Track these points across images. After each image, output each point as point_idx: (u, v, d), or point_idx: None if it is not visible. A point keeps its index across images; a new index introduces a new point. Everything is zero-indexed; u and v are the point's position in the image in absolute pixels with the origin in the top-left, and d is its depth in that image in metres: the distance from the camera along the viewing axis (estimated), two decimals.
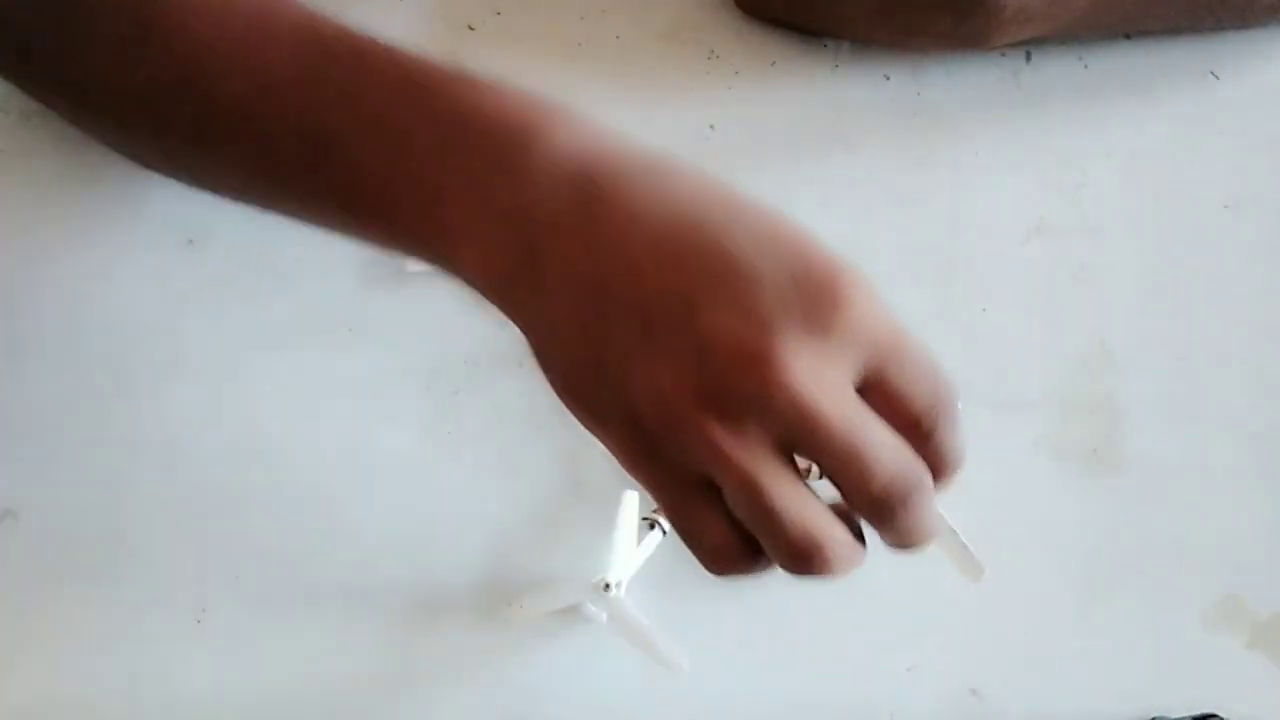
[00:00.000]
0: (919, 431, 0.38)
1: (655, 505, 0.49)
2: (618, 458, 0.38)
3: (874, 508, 0.37)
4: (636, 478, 0.38)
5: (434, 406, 0.52)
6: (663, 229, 0.36)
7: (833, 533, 0.38)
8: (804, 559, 0.37)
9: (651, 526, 0.48)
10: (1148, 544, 0.51)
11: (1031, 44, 0.59)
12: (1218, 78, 0.59)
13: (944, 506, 0.47)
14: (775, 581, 0.50)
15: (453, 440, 0.52)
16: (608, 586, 0.45)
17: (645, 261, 0.36)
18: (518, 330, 0.45)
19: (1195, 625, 0.50)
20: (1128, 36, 0.59)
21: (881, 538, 0.39)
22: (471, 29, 0.58)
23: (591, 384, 0.37)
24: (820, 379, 0.35)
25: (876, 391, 0.37)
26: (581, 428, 0.39)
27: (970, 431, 0.49)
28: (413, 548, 0.50)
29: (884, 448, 0.37)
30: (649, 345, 0.36)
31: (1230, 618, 0.51)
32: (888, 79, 0.58)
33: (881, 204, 0.56)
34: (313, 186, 0.41)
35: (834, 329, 0.36)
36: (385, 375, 0.53)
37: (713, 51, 0.58)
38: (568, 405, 0.39)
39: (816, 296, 0.36)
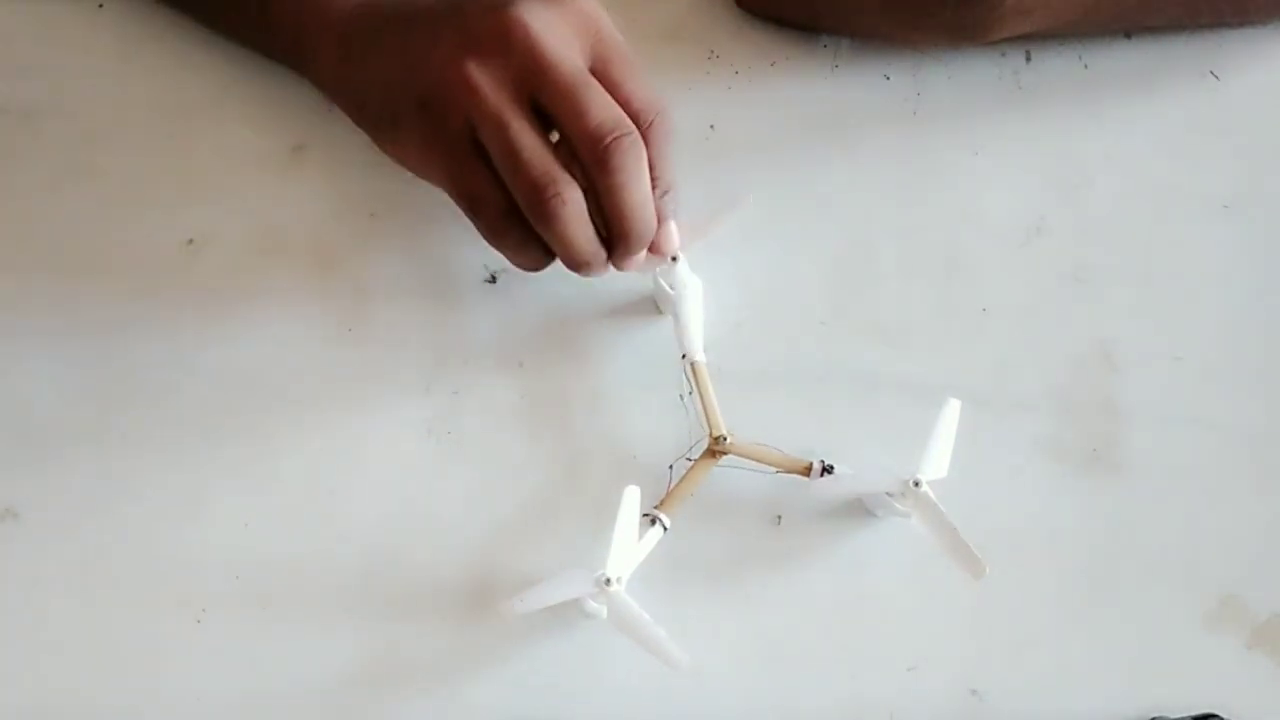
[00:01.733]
0: (640, 123, 0.47)
1: (656, 502, 0.49)
2: (416, 156, 0.49)
3: (590, 142, 0.46)
4: (430, 165, 0.49)
5: (434, 406, 0.52)
6: None
7: (561, 177, 0.46)
8: (540, 193, 0.45)
9: (653, 522, 0.48)
10: (1148, 544, 0.51)
11: (1032, 42, 0.59)
12: (1218, 78, 0.59)
13: (945, 504, 0.47)
14: (776, 581, 0.50)
15: (453, 440, 0.52)
16: (609, 581, 0.45)
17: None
18: (516, 330, 0.53)
19: (1195, 625, 0.50)
20: (1128, 35, 0.59)
21: (597, 188, 0.47)
22: None
23: (390, 97, 0.48)
24: (550, 27, 0.46)
25: (601, 75, 0.47)
26: (578, 430, 0.45)
27: (970, 431, 0.49)
28: (413, 547, 0.50)
29: (600, 96, 0.46)
30: (433, 37, 0.47)
31: (1230, 618, 0.51)
32: (888, 79, 0.58)
33: (881, 204, 0.56)
34: (246, 27, 0.56)
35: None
36: (385, 375, 0.53)
37: (713, 51, 0.58)
38: (379, 140, 0.51)
39: None
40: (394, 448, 0.52)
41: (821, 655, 0.49)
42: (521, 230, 0.48)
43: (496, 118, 0.45)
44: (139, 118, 0.56)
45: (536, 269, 0.50)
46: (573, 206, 0.46)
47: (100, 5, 0.58)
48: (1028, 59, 0.59)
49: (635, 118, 0.47)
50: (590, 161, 0.46)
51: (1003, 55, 0.59)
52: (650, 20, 0.58)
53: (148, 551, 0.50)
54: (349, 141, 0.54)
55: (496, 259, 0.52)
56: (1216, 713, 0.48)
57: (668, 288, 0.52)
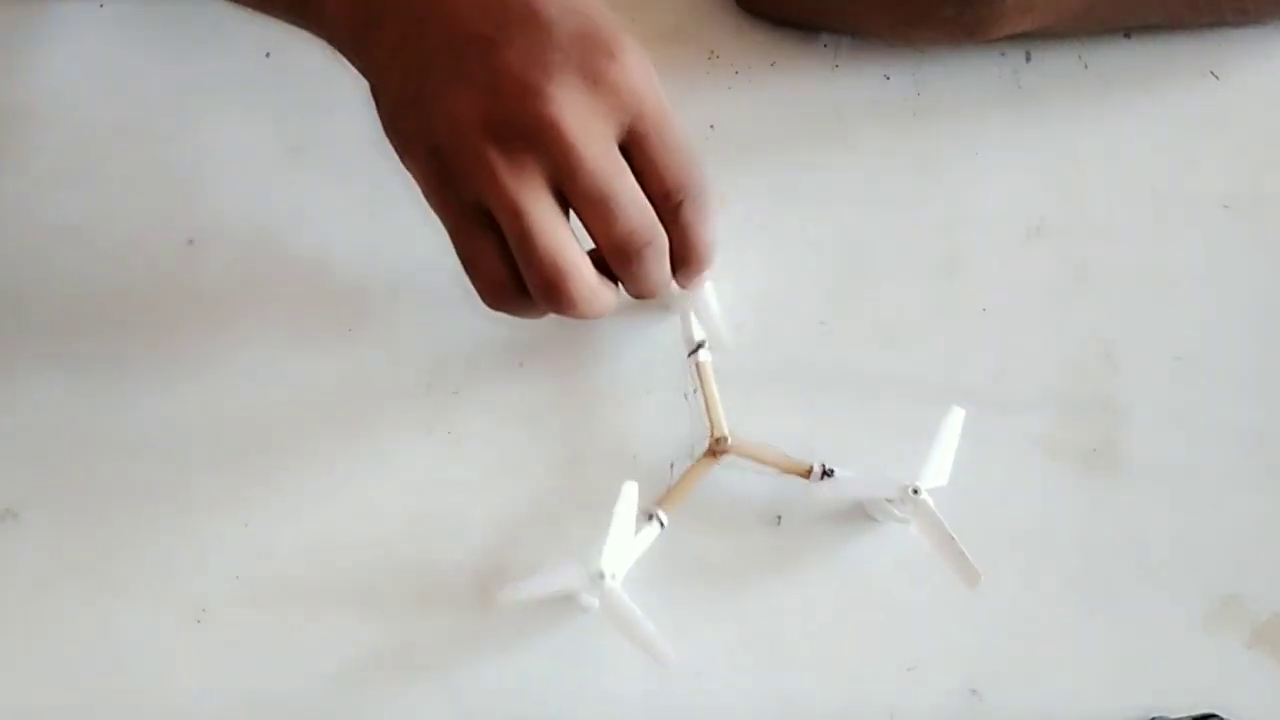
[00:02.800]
0: (667, 204, 0.44)
1: (655, 498, 0.49)
2: (420, 186, 0.43)
3: (616, 251, 0.44)
4: (432, 205, 0.43)
5: (434, 406, 0.52)
6: None
7: (580, 267, 0.43)
8: (551, 284, 0.42)
9: (650, 519, 0.48)
10: (1148, 544, 0.51)
11: (1032, 41, 0.59)
12: (1218, 78, 0.59)
13: (945, 505, 0.47)
14: (776, 581, 0.50)
15: (453, 440, 0.52)
16: (603, 575, 0.45)
17: (464, 6, 0.42)
18: (517, 330, 0.51)
19: (1195, 625, 0.50)
20: (1127, 34, 0.59)
21: (623, 284, 0.46)
22: None
23: (406, 114, 0.43)
24: (585, 123, 0.41)
25: (635, 154, 0.43)
26: (579, 430, 0.45)
27: (970, 431, 0.49)
28: (412, 548, 0.50)
29: (631, 201, 0.43)
30: (455, 78, 0.41)
31: (1230, 618, 0.51)
32: (888, 79, 0.58)
33: (881, 204, 0.56)
34: None
35: (605, 78, 0.41)
36: (385, 375, 0.53)
37: (713, 51, 0.58)
38: (389, 137, 0.44)
39: (596, 49, 0.41)
40: (394, 448, 0.52)
41: (821, 655, 0.49)
42: (521, 301, 0.45)
43: (513, 210, 0.41)
44: (139, 118, 0.56)
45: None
46: (585, 297, 0.44)
47: (101, 5, 0.58)
48: (1028, 58, 0.59)
49: (665, 197, 0.44)
50: (616, 265, 0.45)
51: (1002, 55, 0.59)
52: (650, 20, 0.58)
53: (148, 551, 0.50)
54: (349, 141, 0.54)
55: None
56: (1216, 713, 0.48)
57: (675, 289, 0.52)
